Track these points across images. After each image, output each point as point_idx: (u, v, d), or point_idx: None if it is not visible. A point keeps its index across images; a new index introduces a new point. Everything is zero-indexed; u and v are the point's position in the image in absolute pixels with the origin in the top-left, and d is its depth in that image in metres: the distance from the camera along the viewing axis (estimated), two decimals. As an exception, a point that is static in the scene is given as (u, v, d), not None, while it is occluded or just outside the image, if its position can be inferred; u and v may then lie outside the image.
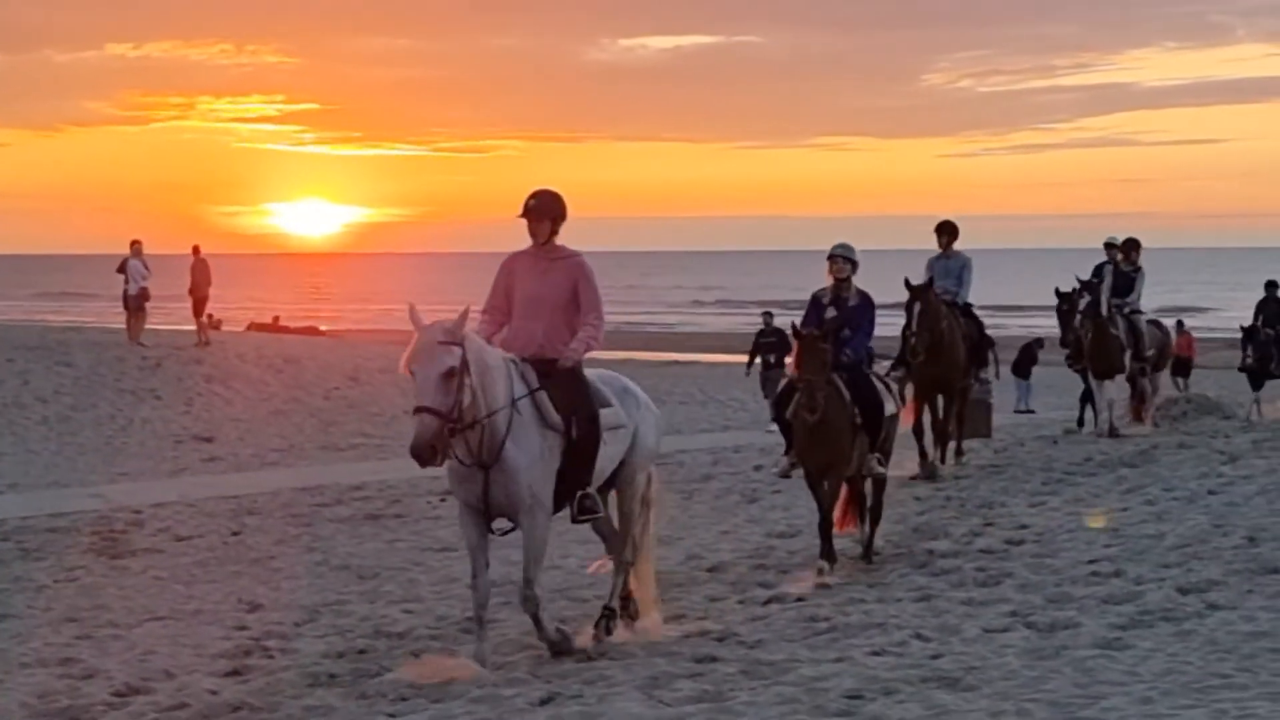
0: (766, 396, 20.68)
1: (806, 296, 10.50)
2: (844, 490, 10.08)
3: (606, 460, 7.91)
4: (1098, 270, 16.54)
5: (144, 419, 21.51)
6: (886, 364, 14.36)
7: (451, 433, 7.22)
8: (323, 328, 46.93)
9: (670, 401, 26.52)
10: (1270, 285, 20.80)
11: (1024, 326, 48.33)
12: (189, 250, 27.60)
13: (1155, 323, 17.46)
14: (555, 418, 7.59)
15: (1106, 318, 16.05)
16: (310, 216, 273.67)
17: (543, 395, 7.59)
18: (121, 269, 26.31)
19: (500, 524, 7.67)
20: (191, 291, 27.06)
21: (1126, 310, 16.49)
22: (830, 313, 10.08)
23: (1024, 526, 10.91)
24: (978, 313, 14.90)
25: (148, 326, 26.70)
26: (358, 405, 22.94)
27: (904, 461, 13.19)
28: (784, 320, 13.46)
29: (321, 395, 23.70)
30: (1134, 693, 6.53)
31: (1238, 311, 20.94)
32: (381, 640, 8.35)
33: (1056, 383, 19.05)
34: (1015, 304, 64.65)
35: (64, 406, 21.61)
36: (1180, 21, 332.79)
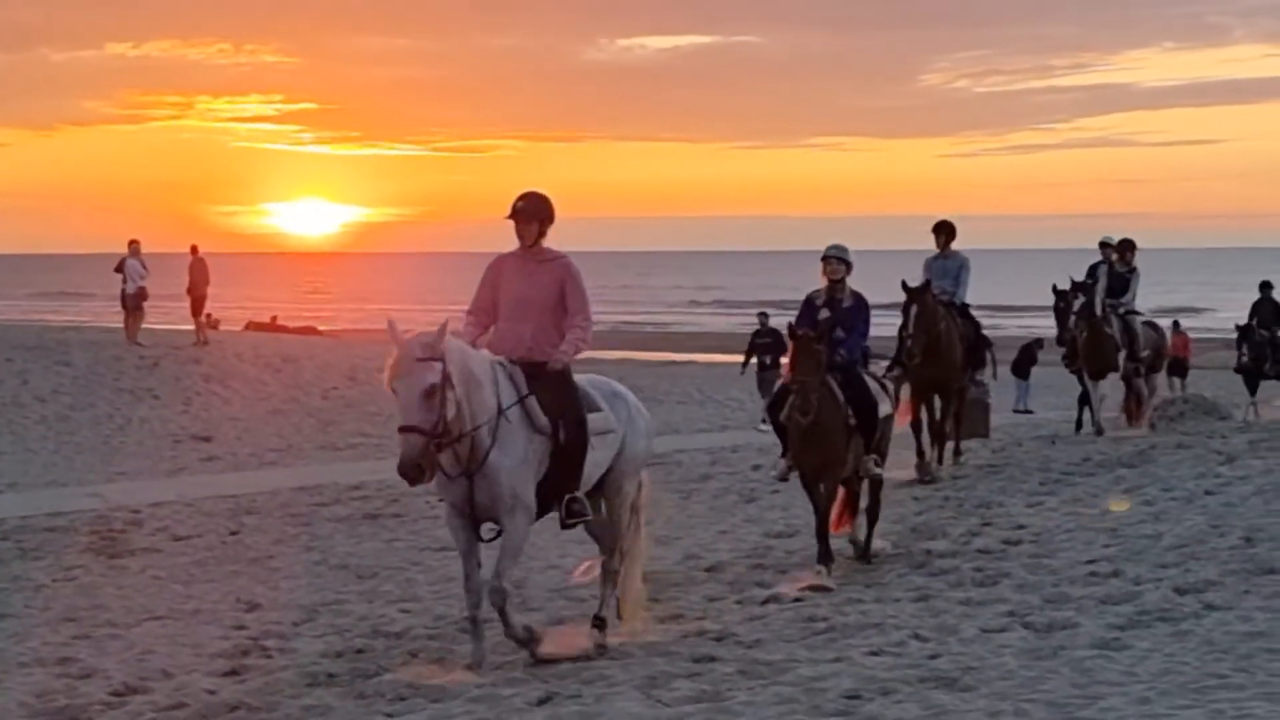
0: (763, 396, 20.70)
1: (804, 297, 10.46)
2: (841, 492, 10.06)
3: (594, 465, 7.88)
4: (1092, 270, 16.55)
5: (142, 418, 21.52)
6: (884, 364, 14.37)
7: (438, 448, 7.22)
8: (321, 327, 46.90)
9: (668, 401, 26.53)
10: (1265, 286, 20.81)
11: (1022, 327, 48.39)
12: (187, 250, 27.61)
13: (1151, 324, 17.45)
14: (543, 421, 7.58)
15: (1101, 317, 16.06)
16: (308, 216, 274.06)
17: (531, 400, 7.57)
18: (119, 268, 26.31)
19: (488, 529, 7.64)
20: (190, 291, 27.07)
21: (1121, 310, 16.49)
22: (824, 314, 10.03)
23: (1022, 527, 10.91)
24: (975, 313, 14.90)
25: (145, 326, 26.70)
26: (356, 405, 22.94)
27: (901, 464, 13.19)
28: (780, 321, 13.47)
29: (320, 395, 23.70)
30: (1131, 693, 6.53)
31: (1234, 312, 20.96)
32: (380, 640, 8.35)
33: (1055, 383, 19.08)
34: (1013, 304, 64.68)
35: (62, 406, 21.62)
36: (1178, 22, 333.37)
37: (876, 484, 10.16)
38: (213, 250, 31.84)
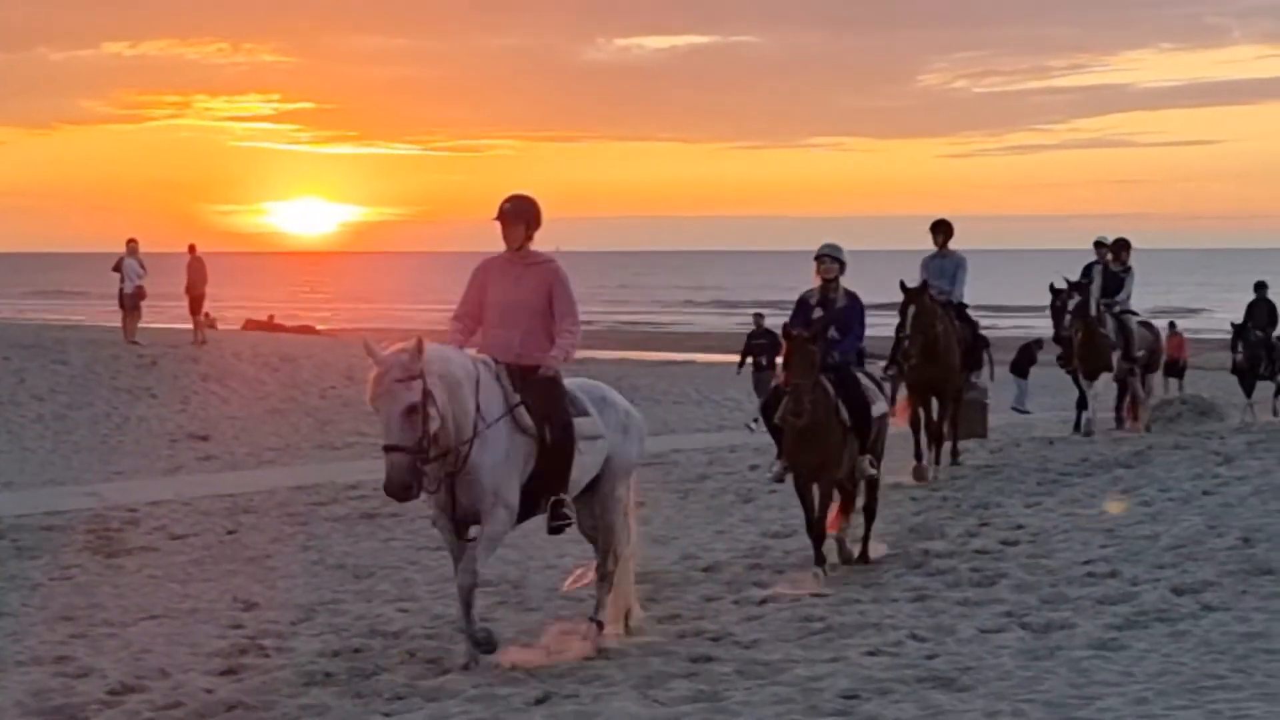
0: (759, 397, 20.72)
1: (798, 297, 10.37)
2: (837, 492, 10.03)
3: (583, 469, 7.85)
4: (1087, 270, 16.56)
5: (140, 417, 21.53)
6: (881, 364, 14.36)
7: (424, 463, 7.20)
8: (319, 327, 46.89)
9: (665, 401, 26.58)
10: (1260, 286, 20.82)
11: (1019, 327, 48.46)
12: (185, 249, 27.63)
13: (1145, 323, 17.44)
14: (528, 422, 7.54)
15: (1096, 317, 16.08)
16: (306, 215, 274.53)
17: (519, 409, 7.53)
18: (117, 268, 26.33)
19: (476, 530, 7.60)
20: (188, 290, 27.09)
21: (1116, 309, 16.50)
22: (818, 313, 9.97)
23: (1019, 527, 10.91)
24: (972, 314, 14.90)
25: (142, 325, 26.71)
26: (353, 404, 22.91)
27: (898, 468, 13.19)
28: (776, 321, 13.47)
29: (317, 394, 23.71)
30: (1129, 693, 6.55)
31: (1231, 313, 20.96)
32: (377, 639, 8.34)
33: (1052, 383, 19.10)
34: (1010, 305, 64.74)
35: (60, 405, 21.63)
36: (1176, 23, 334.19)
37: (873, 484, 10.13)
38: (210, 249, 31.87)
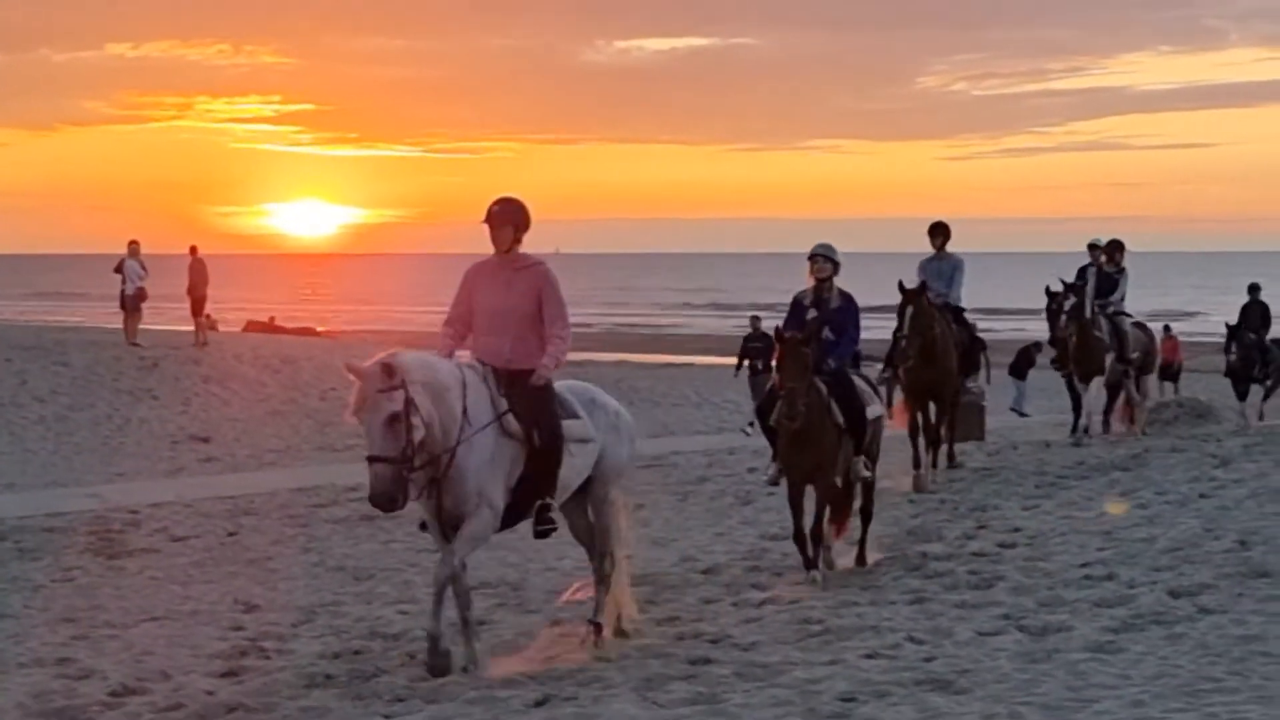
0: (755, 399, 20.72)
1: (791, 298, 10.30)
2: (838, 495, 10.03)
3: (574, 472, 7.83)
4: (1081, 273, 16.59)
5: (141, 419, 21.55)
6: (878, 366, 14.39)
7: (410, 472, 7.17)
8: (319, 328, 46.91)
9: (665, 404, 26.59)
10: (1253, 288, 20.83)
11: (1016, 329, 48.57)
12: (186, 250, 27.66)
13: (1139, 325, 17.47)
14: (516, 427, 7.51)
15: (1090, 320, 16.12)
16: (307, 217, 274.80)
17: (508, 416, 7.49)
18: (119, 269, 26.36)
19: None
20: (189, 291, 27.12)
21: (1110, 310, 16.53)
22: (812, 314, 9.91)
23: (1017, 530, 10.94)
24: (970, 316, 14.94)
25: (143, 326, 26.74)
26: (354, 406, 22.92)
27: (894, 470, 13.21)
28: (773, 323, 13.50)
29: (318, 396, 23.70)
30: (1126, 696, 6.57)
31: (1227, 316, 20.95)
32: (377, 641, 8.36)
33: (1050, 386, 19.12)
34: (1008, 307, 64.78)
35: (61, 406, 21.64)
36: (1174, 26, 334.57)
37: (868, 486, 10.12)
38: (211, 251, 31.88)
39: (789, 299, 10.32)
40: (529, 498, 7.61)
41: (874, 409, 10.03)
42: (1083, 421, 16.48)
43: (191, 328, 27.36)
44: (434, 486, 7.39)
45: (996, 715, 6.32)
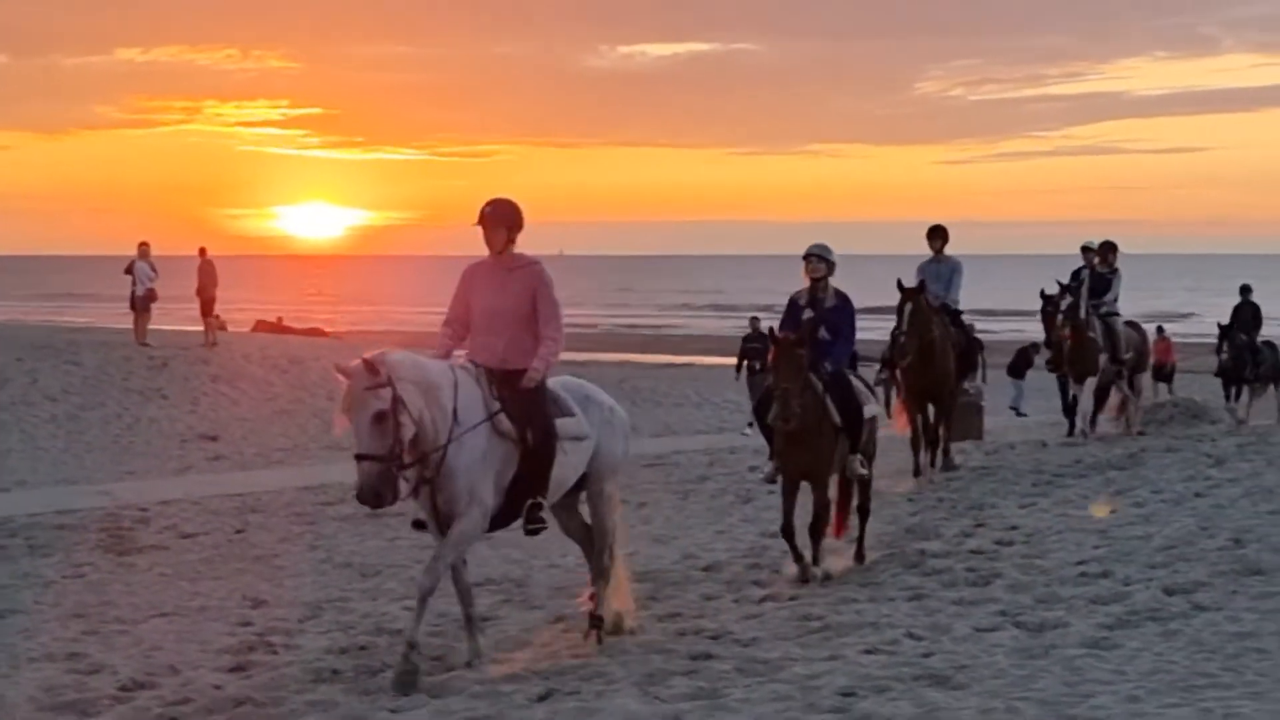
0: (753, 399, 20.78)
1: (788, 298, 10.26)
2: (837, 496, 10.01)
3: (569, 469, 7.82)
4: (1075, 275, 16.64)
5: (151, 418, 21.63)
6: (875, 366, 14.44)
7: (400, 470, 7.15)
8: (326, 329, 47.01)
9: (666, 403, 26.65)
10: (1244, 290, 20.86)
11: (1013, 330, 48.66)
12: (195, 252, 27.77)
13: (1132, 324, 17.51)
14: (508, 427, 7.49)
15: (1084, 321, 16.18)
16: (314, 219, 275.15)
17: (500, 416, 7.47)
18: (129, 270, 26.47)
19: None
20: (199, 293, 27.22)
21: (1103, 310, 16.57)
22: (807, 314, 9.89)
23: (1014, 528, 10.97)
24: (967, 318, 14.99)
25: (152, 327, 26.84)
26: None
27: (892, 471, 13.27)
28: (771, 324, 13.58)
29: (325, 395, 23.73)
30: (1121, 691, 6.61)
31: (1220, 317, 20.96)
32: (383, 637, 8.40)
33: (1047, 386, 19.15)
34: (1005, 309, 64.78)
35: (72, 405, 21.70)
36: (1169, 32, 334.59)
37: (865, 484, 10.11)
38: (220, 252, 31.99)
39: (788, 300, 10.34)
40: (522, 497, 7.60)
41: (870, 409, 10.02)
42: (1080, 423, 16.54)
43: (201, 328, 27.46)
44: (427, 486, 7.36)
45: (994, 710, 6.36)
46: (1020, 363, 26.95)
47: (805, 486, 9.68)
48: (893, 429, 14.10)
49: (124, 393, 22.59)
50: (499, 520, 7.69)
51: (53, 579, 10.54)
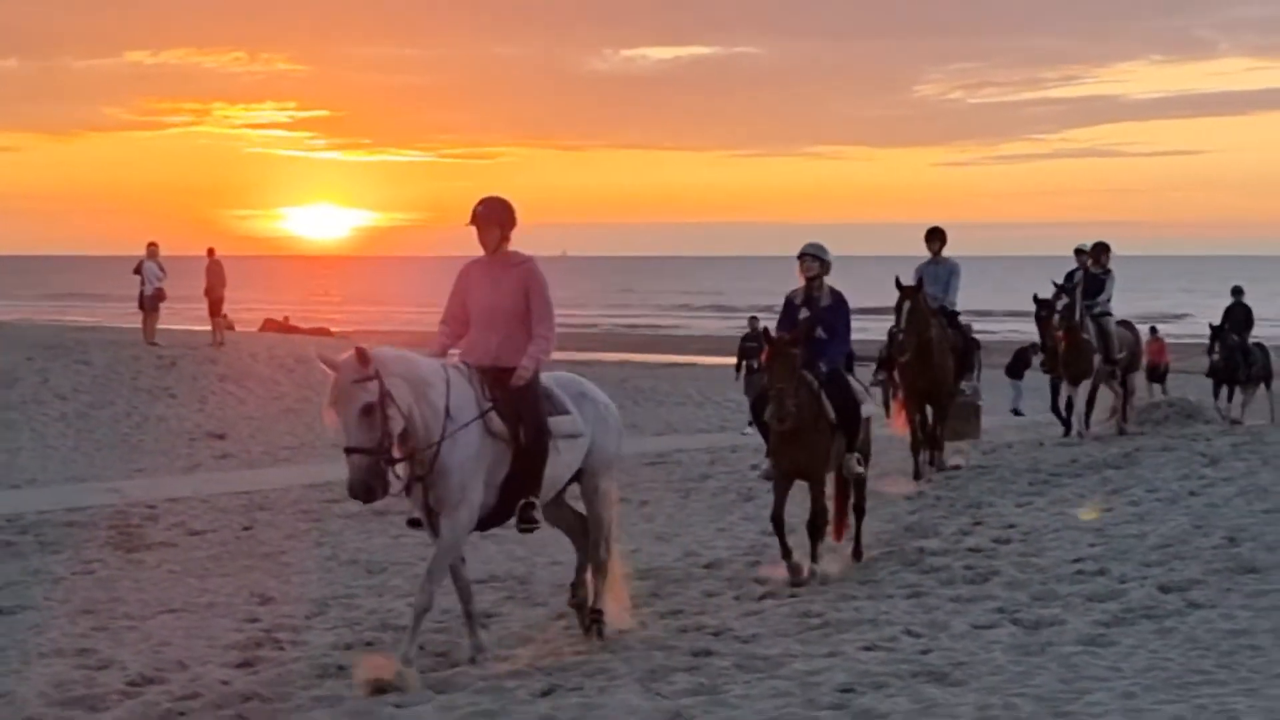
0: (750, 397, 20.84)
1: (784, 297, 10.29)
2: (836, 496, 10.06)
3: (564, 467, 7.83)
4: (1069, 277, 16.69)
5: (159, 416, 21.70)
6: (872, 366, 14.48)
7: (390, 463, 7.14)
8: (333, 329, 47.07)
9: (668, 403, 26.72)
10: (1236, 291, 20.87)
11: (1011, 331, 48.65)
12: (204, 252, 27.88)
13: (1125, 324, 17.53)
14: (499, 426, 7.50)
15: (1079, 322, 16.23)
16: (320, 220, 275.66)
17: (491, 415, 7.47)
18: (138, 270, 26.58)
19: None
20: (207, 293, 27.32)
21: (1096, 310, 16.61)
22: (803, 313, 9.89)
23: (1011, 526, 11.00)
24: (965, 319, 15.03)
25: (161, 326, 26.96)
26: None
27: (890, 469, 13.32)
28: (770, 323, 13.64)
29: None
30: (1117, 688, 6.65)
31: (1214, 318, 20.97)
32: (389, 633, 8.44)
33: (1044, 387, 19.20)
34: (1003, 310, 64.72)
35: (82, 404, 21.77)
36: (1166, 36, 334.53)
37: (860, 482, 10.13)
38: (228, 253, 32.07)
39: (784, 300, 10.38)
40: (515, 496, 7.59)
41: (867, 407, 10.04)
42: (1076, 424, 16.60)
43: (209, 328, 27.55)
44: (419, 483, 7.36)
45: (991, 706, 6.40)
46: (1018, 364, 26.99)
47: (801, 483, 9.72)
48: (891, 429, 14.18)
49: (133, 391, 22.67)
50: (491, 519, 7.70)
51: (62, 575, 10.60)
